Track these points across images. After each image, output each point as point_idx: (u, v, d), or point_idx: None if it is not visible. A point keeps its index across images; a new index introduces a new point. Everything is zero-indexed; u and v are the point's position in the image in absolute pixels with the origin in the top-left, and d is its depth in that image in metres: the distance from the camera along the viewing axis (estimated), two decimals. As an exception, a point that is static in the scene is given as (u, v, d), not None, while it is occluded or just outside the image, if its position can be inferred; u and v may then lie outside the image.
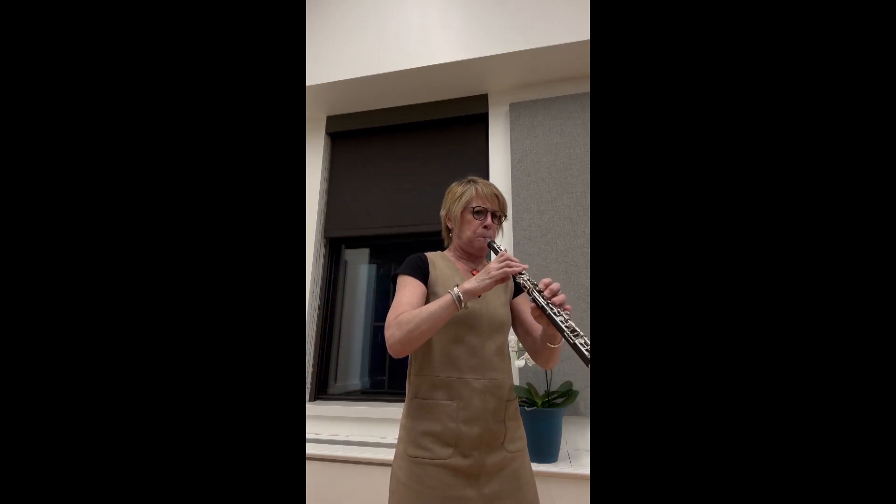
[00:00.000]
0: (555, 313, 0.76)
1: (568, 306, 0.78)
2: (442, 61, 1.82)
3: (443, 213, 1.06)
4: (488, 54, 1.76)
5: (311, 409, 1.82)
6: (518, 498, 0.86)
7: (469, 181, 1.03)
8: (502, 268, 0.83)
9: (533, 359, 0.96)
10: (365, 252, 2.18)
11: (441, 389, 0.88)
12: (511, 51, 1.74)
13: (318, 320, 2.00)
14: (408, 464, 0.86)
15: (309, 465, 1.45)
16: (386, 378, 1.99)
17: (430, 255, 1.00)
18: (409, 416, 0.91)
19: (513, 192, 1.77)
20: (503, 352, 0.95)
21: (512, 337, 1.44)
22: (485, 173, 1.90)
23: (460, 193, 1.01)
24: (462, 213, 1.00)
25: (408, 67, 1.86)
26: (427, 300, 0.92)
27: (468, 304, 0.90)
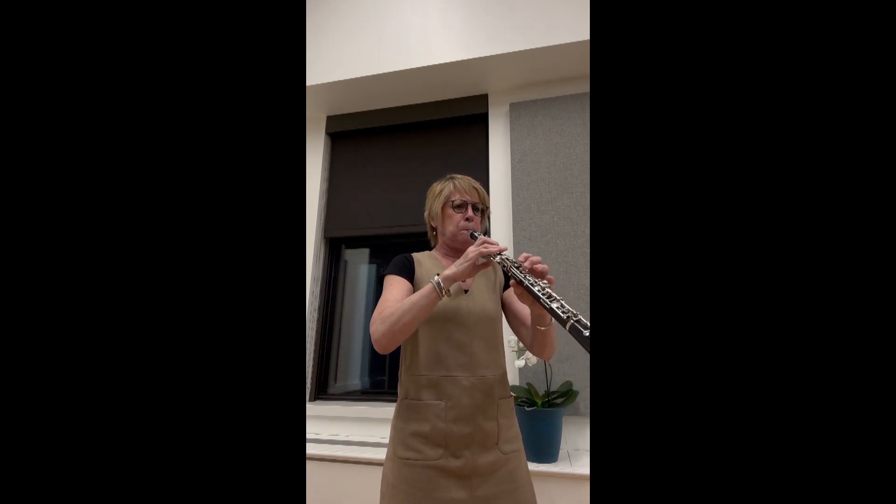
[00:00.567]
0: (531, 283, 0.73)
1: (549, 276, 0.76)
2: (442, 61, 1.82)
3: (425, 213, 1.07)
4: (488, 54, 1.76)
5: (311, 409, 1.82)
6: (514, 500, 0.84)
7: (448, 178, 1.03)
8: (479, 250, 0.81)
9: (531, 351, 0.94)
10: (365, 252, 2.18)
11: (429, 389, 0.87)
12: (511, 51, 1.74)
13: (318, 320, 2.00)
14: (397, 465, 0.85)
15: (309, 465, 1.45)
16: (386, 378, 1.99)
17: (416, 255, 1.00)
18: (399, 416, 0.90)
19: (513, 192, 1.78)
20: (494, 348, 0.93)
21: (513, 337, 1.44)
22: (485, 173, 1.90)
23: (439, 190, 1.02)
24: (443, 208, 1.00)
25: (408, 67, 1.86)
26: None
27: (455, 299, 0.90)
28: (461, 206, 0.99)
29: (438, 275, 0.81)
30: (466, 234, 0.97)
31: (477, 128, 2.01)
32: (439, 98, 2.06)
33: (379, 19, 1.98)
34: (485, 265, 0.82)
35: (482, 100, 2.00)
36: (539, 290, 0.71)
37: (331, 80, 1.95)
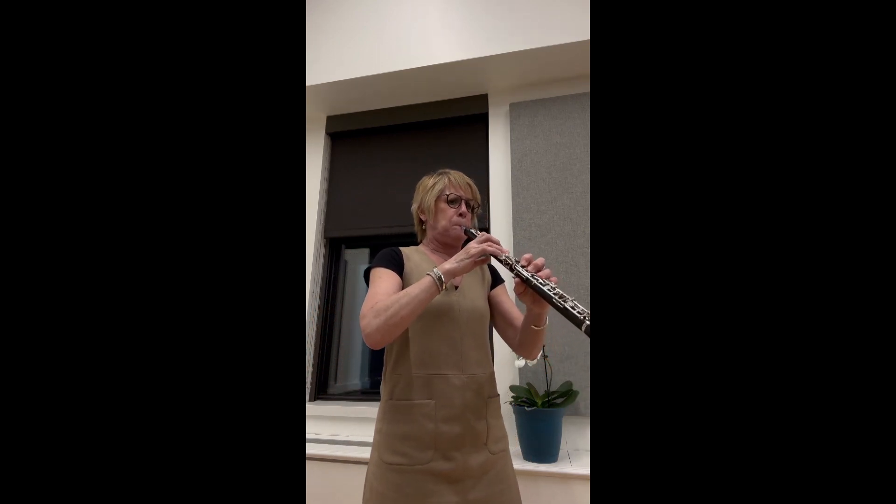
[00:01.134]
0: (541, 282, 0.72)
1: (554, 278, 0.75)
2: (442, 61, 1.82)
3: (414, 206, 1.04)
4: (488, 54, 1.76)
5: (311, 409, 1.82)
6: (505, 501, 0.83)
7: (441, 173, 1.01)
8: (483, 247, 0.80)
9: (515, 351, 0.93)
10: (365, 252, 2.18)
11: (418, 388, 0.84)
12: (511, 51, 1.73)
13: (318, 320, 2.00)
14: (384, 471, 0.81)
15: (309, 465, 1.45)
16: (386, 378, 1.99)
17: (404, 249, 0.96)
18: (384, 419, 0.86)
19: (513, 192, 1.77)
20: (483, 346, 0.91)
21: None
22: (485, 173, 1.90)
23: (432, 184, 0.99)
24: (436, 202, 0.97)
25: (408, 67, 1.85)
26: None
27: (447, 296, 0.87)
28: (455, 202, 0.97)
29: (437, 267, 0.79)
30: (459, 229, 0.96)
31: (477, 128, 2.01)
32: (439, 98, 2.06)
33: (379, 19, 1.98)
34: (483, 261, 0.81)
35: (482, 100, 2.00)
36: (550, 290, 0.71)
37: (331, 80, 1.95)
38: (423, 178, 1.04)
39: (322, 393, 1.96)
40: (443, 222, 0.96)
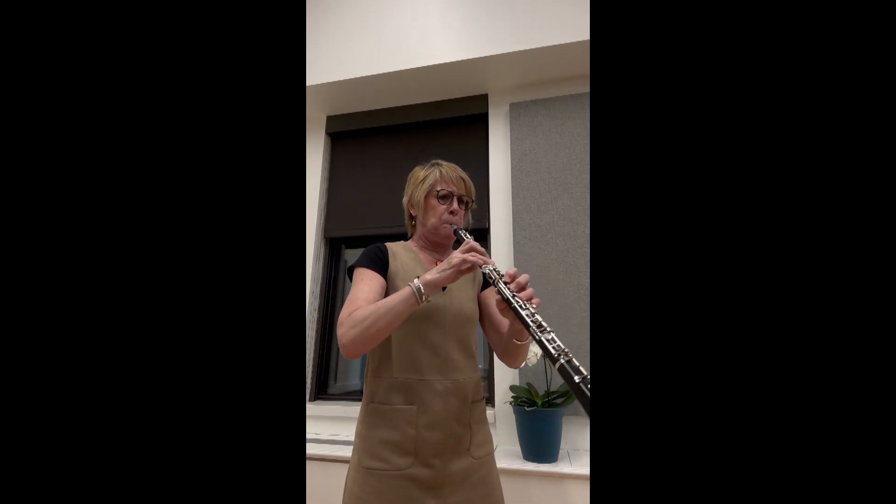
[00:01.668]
0: (521, 306, 0.68)
1: (536, 300, 0.72)
2: (442, 61, 1.82)
3: (405, 199, 0.98)
4: (488, 54, 1.76)
5: (311, 409, 1.82)
6: None
7: (433, 164, 0.95)
8: (465, 257, 0.75)
9: (499, 357, 0.90)
10: (365, 252, 2.18)
11: (399, 392, 0.81)
12: (511, 51, 1.74)
13: (318, 320, 2.00)
14: (363, 476, 0.79)
15: (309, 465, 1.45)
16: (386, 378, 1.99)
17: (391, 245, 0.92)
18: (365, 423, 0.83)
19: (513, 192, 1.77)
20: (469, 350, 0.87)
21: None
22: (485, 173, 1.90)
23: (423, 177, 0.93)
24: (426, 197, 0.92)
25: (408, 67, 1.86)
26: (387, 294, 0.84)
27: (430, 298, 0.82)
28: (446, 198, 0.91)
29: (419, 277, 0.75)
30: (449, 228, 0.91)
31: (477, 128, 2.01)
32: (439, 98, 2.06)
33: (379, 19, 1.98)
34: (468, 271, 0.77)
35: (482, 100, 2.00)
36: (528, 316, 0.67)
37: (331, 80, 1.95)
38: (416, 168, 0.98)
39: (322, 393, 1.96)
40: (432, 220, 0.91)
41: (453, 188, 0.92)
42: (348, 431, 1.76)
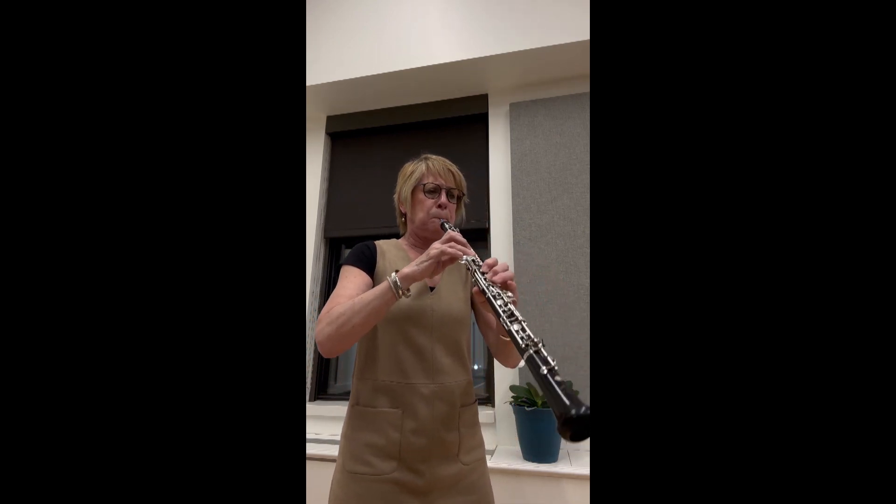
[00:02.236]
0: (494, 296, 0.64)
1: (514, 291, 0.68)
2: (442, 61, 1.82)
3: (395, 196, 0.96)
4: (488, 54, 1.76)
5: (311, 409, 1.82)
6: None
7: (421, 158, 0.92)
8: (444, 248, 0.71)
9: (495, 356, 0.87)
10: (365, 252, 2.18)
11: (384, 395, 0.78)
12: (511, 51, 1.74)
13: (318, 320, 2.00)
14: (347, 480, 0.76)
15: (309, 465, 1.45)
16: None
17: (380, 243, 0.89)
18: (349, 425, 0.81)
19: (513, 192, 1.77)
20: (458, 352, 0.84)
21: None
22: (485, 173, 1.90)
23: (411, 171, 0.91)
24: (413, 192, 0.89)
25: (408, 67, 1.86)
26: None
27: (419, 298, 0.81)
28: (434, 191, 0.88)
29: (396, 272, 0.71)
30: (437, 222, 0.87)
31: (477, 128, 2.01)
32: (439, 98, 2.06)
33: (379, 19, 1.99)
34: (449, 262, 0.73)
35: (482, 100, 2.00)
36: (501, 306, 0.62)
37: (331, 80, 1.96)
38: (406, 164, 0.95)
39: (322, 393, 1.96)
40: (420, 215, 0.88)
41: (441, 181, 0.89)
42: (348, 431, 1.76)
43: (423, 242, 0.91)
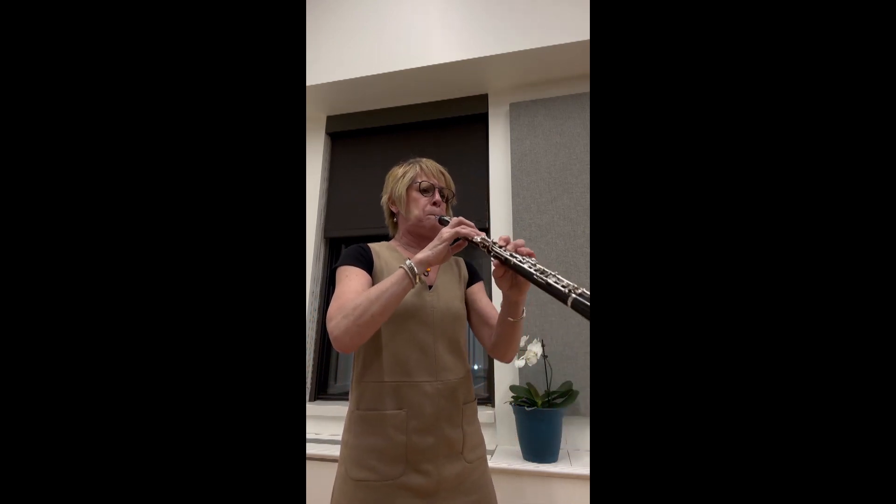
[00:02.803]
0: (520, 260, 0.66)
1: (533, 255, 0.70)
2: (442, 61, 1.82)
3: (384, 198, 0.98)
4: (488, 54, 1.76)
5: (311, 409, 1.82)
6: None
7: (412, 161, 0.96)
8: (456, 230, 0.73)
9: (491, 353, 0.88)
10: (365, 252, 2.18)
11: (387, 397, 0.78)
12: (511, 51, 1.74)
13: (318, 320, 2.00)
14: (352, 488, 0.74)
15: (309, 465, 1.45)
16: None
17: (373, 245, 0.90)
18: (351, 431, 0.79)
19: (513, 192, 1.77)
20: (458, 349, 0.85)
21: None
22: (485, 173, 1.90)
23: (403, 172, 0.94)
24: (408, 191, 0.92)
25: (408, 67, 1.86)
26: None
27: (418, 295, 0.82)
28: (428, 190, 0.91)
29: (409, 259, 0.72)
30: (433, 219, 0.89)
31: (477, 128, 2.01)
32: (439, 98, 2.06)
33: (379, 19, 1.98)
34: (459, 246, 0.75)
35: (482, 100, 2.00)
36: (530, 266, 0.65)
37: (331, 80, 1.95)
38: (393, 167, 0.98)
39: (322, 393, 1.96)
40: (415, 212, 0.90)
41: (434, 181, 0.92)
42: (348, 431, 1.76)
43: (417, 241, 0.93)
